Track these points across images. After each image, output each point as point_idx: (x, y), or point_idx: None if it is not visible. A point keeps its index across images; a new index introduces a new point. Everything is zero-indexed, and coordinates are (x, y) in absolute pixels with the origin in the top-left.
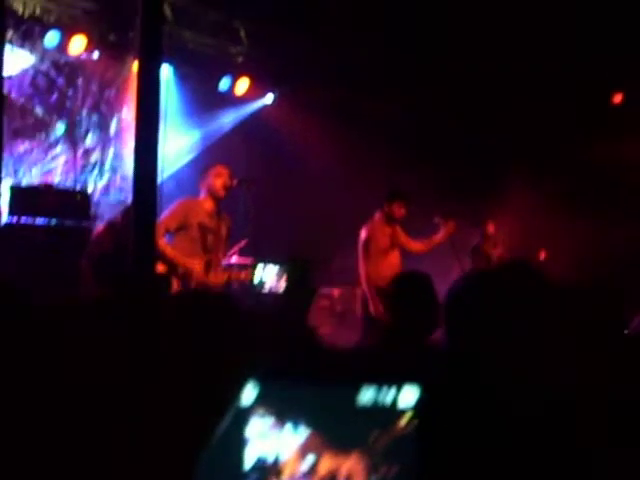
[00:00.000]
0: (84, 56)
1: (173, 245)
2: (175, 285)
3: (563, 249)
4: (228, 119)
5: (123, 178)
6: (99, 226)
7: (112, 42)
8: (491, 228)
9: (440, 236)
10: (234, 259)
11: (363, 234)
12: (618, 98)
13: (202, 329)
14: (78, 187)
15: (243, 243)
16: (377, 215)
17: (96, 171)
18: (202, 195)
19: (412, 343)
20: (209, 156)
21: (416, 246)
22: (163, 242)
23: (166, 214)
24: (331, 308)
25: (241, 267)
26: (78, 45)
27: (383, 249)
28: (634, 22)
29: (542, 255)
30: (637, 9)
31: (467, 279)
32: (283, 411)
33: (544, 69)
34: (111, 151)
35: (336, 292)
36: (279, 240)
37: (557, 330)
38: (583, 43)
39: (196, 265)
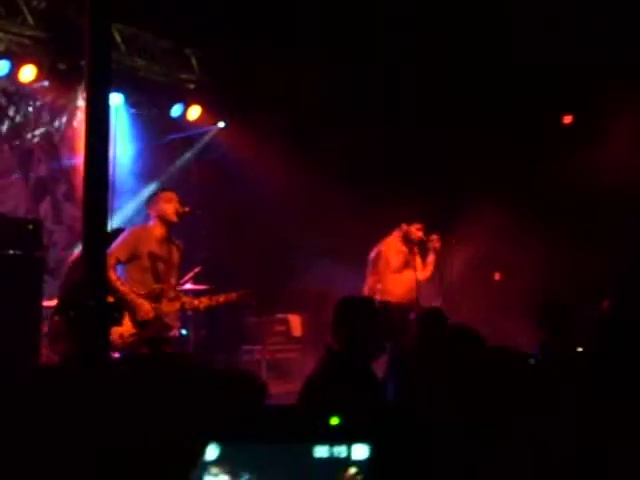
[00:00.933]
0: (35, 85)
1: (124, 275)
2: (126, 317)
3: (518, 270)
4: (180, 146)
5: (75, 206)
6: (73, 254)
7: (62, 70)
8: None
9: (432, 256)
10: (188, 286)
11: (375, 250)
12: (568, 119)
13: (158, 390)
14: (30, 216)
15: (197, 270)
16: (394, 233)
17: (48, 200)
18: (152, 221)
19: (356, 367)
20: (161, 183)
21: (422, 274)
22: (114, 276)
23: (116, 245)
24: (287, 333)
25: (195, 294)
26: (28, 74)
27: (396, 267)
28: (582, 45)
29: (497, 276)
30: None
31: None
32: (237, 469)
33: (497, 92)
34: (63, 179)
35: (291, 318)
36: (232, 267)
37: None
38: (534, 69)
39: (145, 305)
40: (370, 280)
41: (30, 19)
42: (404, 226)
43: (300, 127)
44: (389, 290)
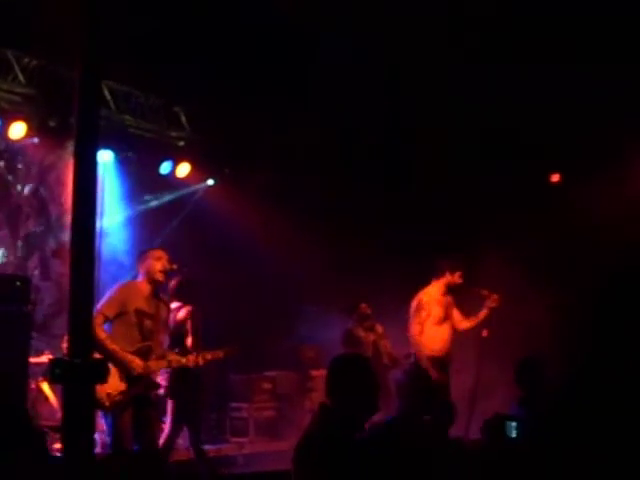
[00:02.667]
0: (24, 141)
1: (111, 331)
2: (114, 372)
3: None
4: (169, 203)
5: (63, 263)
6: None
7: (52, 127)
8: (365, 309)
9: (484, 312)
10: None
11: (416, 300)
12: (556, 177)
13: None
14: (18, 273)
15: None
16: (434, 283)
17: (36, 256)
18: (140, 278)
19: (351, 427)
20: (150, 240)
21: (463, 324)
22: (103, 334)
23: (104, 302)
24: (272, 391)
25: (183, 352)
26: (18, 131)
27: (437, 319)
28: (569, 105)
29: (484, 333)
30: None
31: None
32: None
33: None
34: (51, 236)
35: (276, 375)
36: (218, 324)
37: None
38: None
39: (136, 360)
40: (414, 331)
41: (21, 77)
42: (447, 274)
43: (289, 184)
44: (428, 343)
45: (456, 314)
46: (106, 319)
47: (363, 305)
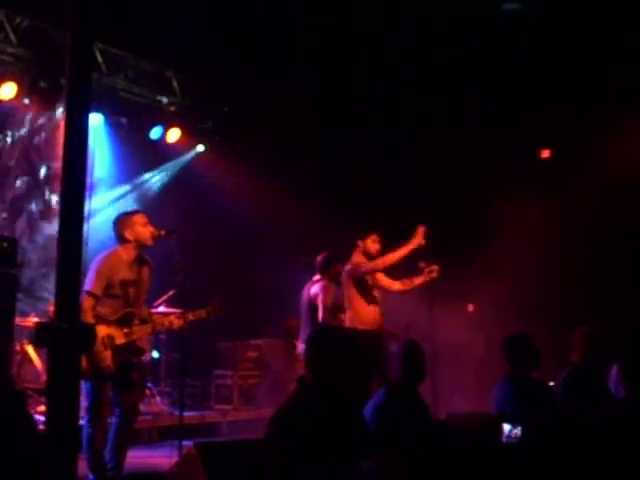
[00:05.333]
0: (15, 102)
1: (96, 304)
2: (97, 345)
3: (489, 302)
4: (158, 168)
5: (51, 225)
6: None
7: (43, 89)
8: (339, 268)
9: (421, 279)
10: (161, 309)
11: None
12: (546, 153)
13: None
14: (5, 234)
15: (170, 293)
16: (354, 254)
17: (24, 217)
18: (121, 245)
19: (329, 399)
20: (139, 205)
21: (396, 285)
22: (93, 320)
23: (91, 279)
24: (258, 359)
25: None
26: (8, 91)
27: (362, 290)
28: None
29: (470, 307)
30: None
31: None
32: None
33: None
34: (40, 198)
35: (262, 343)
36: (206, 290)
37: None
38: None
39: (119, 338)
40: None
41: (12, 37)
42: (359, 242)
43: (279, 152)
44: (357, 316)
45: (383, 277)
46: (96, 299)
47: (338, 264)
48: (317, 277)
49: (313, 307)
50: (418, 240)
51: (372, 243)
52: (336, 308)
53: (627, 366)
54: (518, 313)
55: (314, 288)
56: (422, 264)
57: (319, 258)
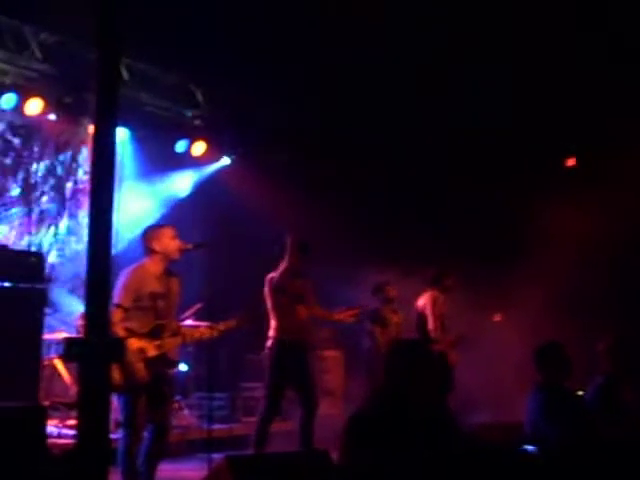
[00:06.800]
0: (41, 118)
1: (125, 317)
2: (130, 357)
3: (518, 313)
4: (184, 181)
5: (78, 240)
6: None
7: (68, 104)
8: (391, 292)
9: (340, 316)
10: (189, 322)
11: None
12: (572, 161)
13: None
14: (33, 249)
15: (198, 306)
16: (282, 265)
17: (51, 233)
18: (149, 257)
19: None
20: (164, 218)
21: (315, 310)
22: (123, 333)
23: (119, 292)
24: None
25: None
26: (34, 107)
27: (290, 300)
28: (586, 88)
29: (497, 317)
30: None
31: None
32: None
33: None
34: (66, 213)
35: None
36: (233, 303)
37: None
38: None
39: (150, 350)
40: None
41: (38, 53)
42: (292, 258)
43: (304, 164)
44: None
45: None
46: (125, 312)
47: (388, 287)
48: (428, 288)
49: (422, 317)
50: (343, 317)
51: (303, 262)
52: (444, 317)
53: None
54: (551, 322)
55: (423, 298)
56: (344, 307)
57: (431, 271)
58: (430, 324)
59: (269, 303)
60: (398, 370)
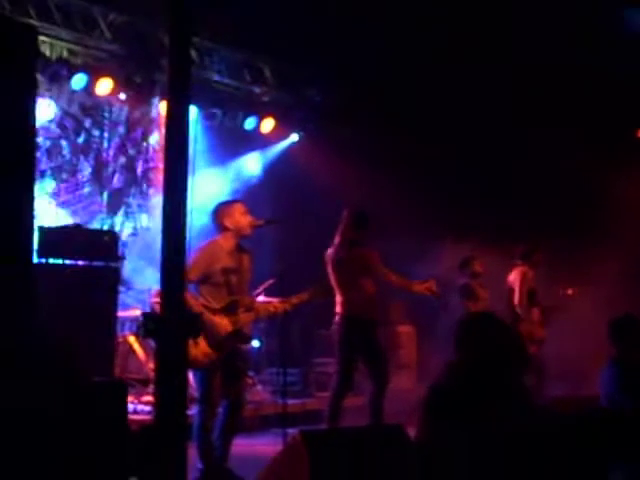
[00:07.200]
0: (111, 98)
1: (199, 293)
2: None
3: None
4: (254, 159)
5: (150, 218)
6: None
7: (138, 84)
8: (478, 267)
9: (418, 288)
10: (260, 298)
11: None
12: None
13: None
14: (106, 227)
15: (269, 282)
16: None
17: (122, 211)
18: (221, 233)
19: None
20: (236, 195)
21: (390, 276)
22: (188, 295)
23: (189, 266)
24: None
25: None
26: (105, 87)
27: (353, 275)
28: None
29: (570, 291)
30: None
31: None
32: None
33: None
34: (138, 191)
35: None
36: (303, 279)
37: None
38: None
39: (222, 322)
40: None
41: (107, 33)
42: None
43: (374, 140)
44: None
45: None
46: (190, 282)
47: (475, 262)
48: (518, 263)
49: (510, 291)
50: (422, 289)
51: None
52: (531, 293)
53: None
54: (627, 295)
55: (513, 274)
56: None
57: (521, 247)
58: (516, 299)
59: (332, 279)
60: (469, 343)
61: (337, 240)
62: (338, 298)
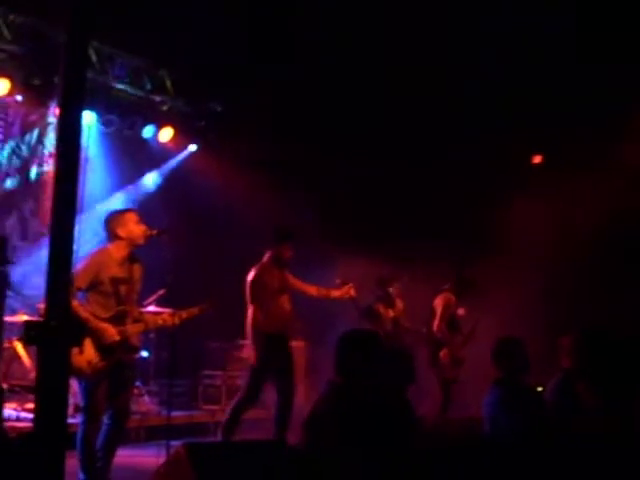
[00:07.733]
0: (7, 99)
1: (86, 300)
2: (91, 344)
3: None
4: (150, 167)
5: (41, 223)
6: None
7: (36, 86)
8: (395, 289)
9: (336, 294)
10: (151, 308)
11: (251, 276)
12: (538, 159)
13: None
14: None
15: (160, 293)
16: (266, 257)
17: (14, 215)
18: (112, 242)
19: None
20: (131, 204)
21: (309, 289)
22: (76, 302)
23: (77, 272)
24: (246, 360)
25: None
26: (1, 87)
27: (272, 293)
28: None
29: (460, 311)
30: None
31: None
32: None
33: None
34: (31, 196)
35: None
36: (196, 290)
37: None
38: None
39: (110, 329)
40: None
41: (6, 33)
42: (274, 248)
43: (272, 152)
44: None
45: (295, 281)
46: (79, 290)
47: (393, 284)
48: (445, 288)
49: (432, 316)
50: (341, 294)
51: (287, 250)
52: (453, 319)
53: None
54: (519, 318)
55: (437, 299)
56: (338, 280)
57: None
58: (435, 324)
59: (250, 295)
60: (349, 363)
61: (265, 259)
62: (256, 314)
